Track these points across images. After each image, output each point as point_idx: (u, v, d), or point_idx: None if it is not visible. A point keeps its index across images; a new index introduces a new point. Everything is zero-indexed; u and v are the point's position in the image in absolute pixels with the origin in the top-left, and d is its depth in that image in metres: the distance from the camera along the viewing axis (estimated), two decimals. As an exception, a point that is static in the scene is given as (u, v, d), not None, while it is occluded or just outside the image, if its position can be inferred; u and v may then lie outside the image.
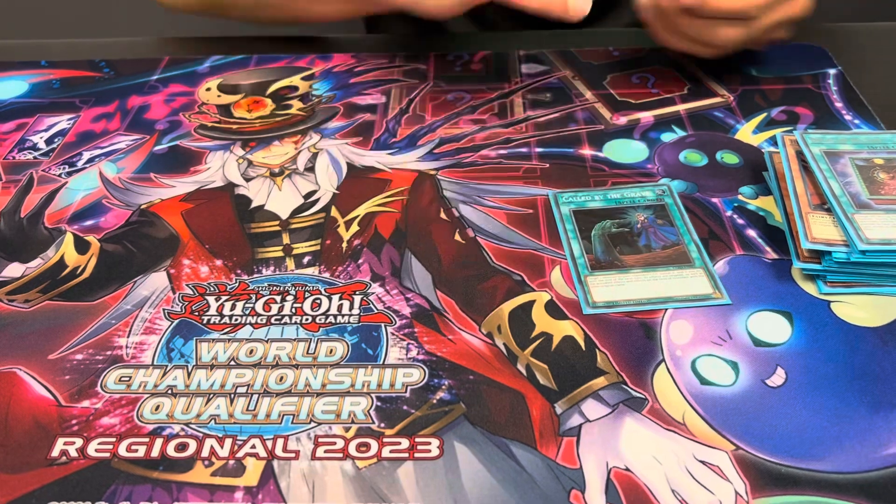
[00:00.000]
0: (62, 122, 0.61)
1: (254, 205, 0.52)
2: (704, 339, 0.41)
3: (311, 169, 0.55)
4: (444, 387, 0.39)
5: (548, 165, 0.54)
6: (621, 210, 0.49)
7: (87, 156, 0.57)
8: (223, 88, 0.64)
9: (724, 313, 0.43)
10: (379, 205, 0.51)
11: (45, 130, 0.60)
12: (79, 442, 0.37)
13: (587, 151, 0.56)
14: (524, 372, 0.40)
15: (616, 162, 0.55)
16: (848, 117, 0.58)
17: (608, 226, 0.48)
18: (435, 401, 0.39)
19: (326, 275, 0.46)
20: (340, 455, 0.36)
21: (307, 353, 0.41)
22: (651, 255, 0.46)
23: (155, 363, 0.41)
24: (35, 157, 0.57)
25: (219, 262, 0.47)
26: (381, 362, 0.41)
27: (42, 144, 0.58)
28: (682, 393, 0.39)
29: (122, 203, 0.52)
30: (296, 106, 0.62)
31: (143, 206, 0.52)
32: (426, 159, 0.55)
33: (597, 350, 0.41)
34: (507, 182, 0.53)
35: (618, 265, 0.45)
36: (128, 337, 0.42)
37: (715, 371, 0.40)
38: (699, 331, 0.42)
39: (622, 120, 0.59)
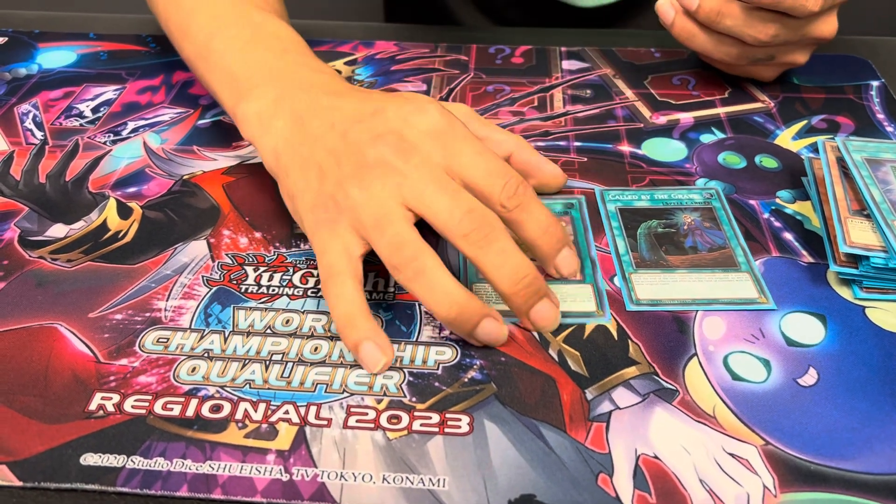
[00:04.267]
0: (108, 92, 0.62)
1: (293, 181, 0.52)
2: (737, 336, 0.42)
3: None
4: (475, 366, 0.40)
5: (586, 159, 0.55)
6: (668, 211, 0.49)
7: (131, 126, 0.58)
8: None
9: (758, 313, 0.43)
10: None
11: (92, 100, 0.61)
12: (116, 398, 0.38)
13: (626, 148, 0.56)
14: (555, 357, 0.40)
15: (654, 160, 0.55)
16: (890, 129, 0.58)
17: (654, 225, 0.48)
18: (466, 379, 0.39)
19: (363, 252, 0.46)
20: (372, 425, 0.37)
21: (342, 326, 0.42)
22: (697, 256, 0.46)
23: (193, 327, 0.42)
24: (81, 125, 0.58)
25: (258, 235, 0.48)
26: (414, 339, 0.41)
27: (88, 113, 0.59)
28: (713, 386, 0.39)
29: (164, 172, 0.53)
30: (337, 89, 0.63)
31: (185, 177, 0.53)
32: (464, 147, 0.56)
33: (629, 341, 0.41)
34: (544, 173, 0.53)
35: (663, 264, 0.46)
36: (167, 300, 0.43)
37: (747, 367, 0.40)
38: (732, 328, 0.42)
39: (662, 119, 0.59)
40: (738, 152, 0.56)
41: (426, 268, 0.38)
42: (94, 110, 0.60)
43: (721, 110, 0.60)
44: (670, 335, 0.42)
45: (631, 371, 0.39)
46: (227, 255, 0.46)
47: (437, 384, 0.39)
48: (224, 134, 0.57)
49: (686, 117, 0.59)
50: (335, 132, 0.42)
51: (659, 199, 0.51)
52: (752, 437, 0.36)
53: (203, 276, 0.45)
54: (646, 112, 0.60)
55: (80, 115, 0.59)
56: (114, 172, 0.53)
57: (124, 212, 0.49)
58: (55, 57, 0.67)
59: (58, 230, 0.48)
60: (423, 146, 0.40)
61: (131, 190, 0.51)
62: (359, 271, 0.40)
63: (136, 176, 0.53)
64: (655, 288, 0.44)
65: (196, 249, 0.47)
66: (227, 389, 0.38)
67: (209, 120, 0.59)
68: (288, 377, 0.39)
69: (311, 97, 0.44)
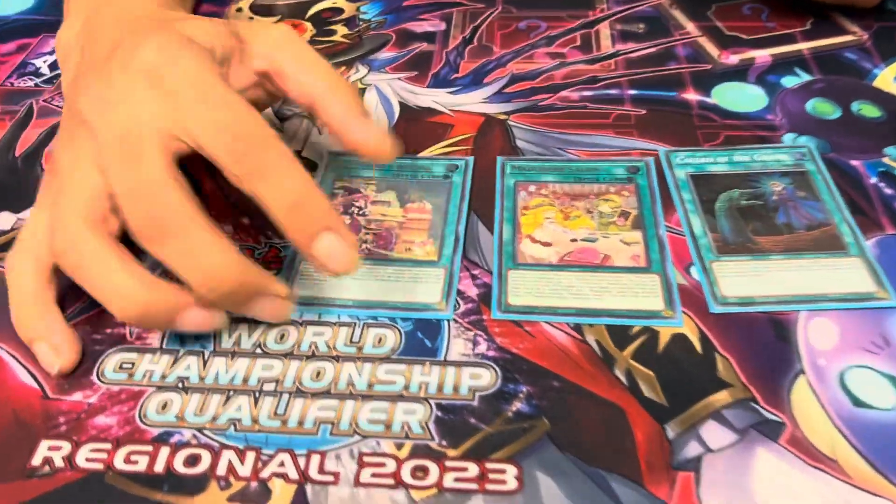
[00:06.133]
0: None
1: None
2: (854, 344, 0.32)
3: (357, 108, 0.46)
4: (521, 395, 0.31)
5: (644, 112, 0.45)
6: (751, 177, 0.40)
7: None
8: (256, 9, 0.55)
9: (879, 311, 0.33)
10: (439, 155, 0.42)
11: (51, 53, 0.51)
12: (67, 447, 0.30)
13: (692, 96, 0.46)
14: (623, 379, 0.31)
15: (728, 110, 0.45)
16: None
17: (736, 197, 0.38)
18: (510, 413, 0.30)
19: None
20: (391, 481, 0.28)
21: (350, 341, 0.33)
22: (793, 237, 0.37)
23: (164, 347, 0.33)
24: (37, 85, 0.49)
25: (246, 220, 0.39)
26: (441, 358, 0.32)
27: (45, 70, 0.50)
28: (829, 416, 0.30)
29: (133, 143, 0.44)
30: (340, 32, 0.53)
31: (158, 148, 0.43)
32: (494, 100, 0.46)
33: (716, 354, 0.32)
34: (594, 132, 0.43)
35: (751, 248, 0.36)
36: (133, 311, 0.34)
37: (871, 388, 0.31)
38: (847, 333, 0.33)
39: (733, 59, 0.49)
40: (831, 98, 0.45)
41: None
42: (53, 66, 0.50)
43: (804, 45, 0.50)
44: (768, 345, 0.33)
45: (722, 397, 0.31)
46: (207, 248, 0.37)
47: (473, 421, 0.30)
48: (206, 91, 0.48)
49: (762, 55, 0.49)
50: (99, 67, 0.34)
51: (739, 162, 0.41)
52: (886, 489, 0.28)
53: (178, 278, 0.36)
54: (713, 50, 0.49)
55: (37, 73, 0.50)
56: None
57: (84, 194, 0.41)
58: (10, 1, 0.57)
59: (4, 220, 0.40)
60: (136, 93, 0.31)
61: (93, 166, 0.42)
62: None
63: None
64: (745, 281, 0.35)
65: (170, 242, 0.38)
66: (207, 433, 0.30)
67: (187, 75, 0.49)
68: (283, 414, 0.31)
69: (112, 33, 0.35)
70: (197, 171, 0.41)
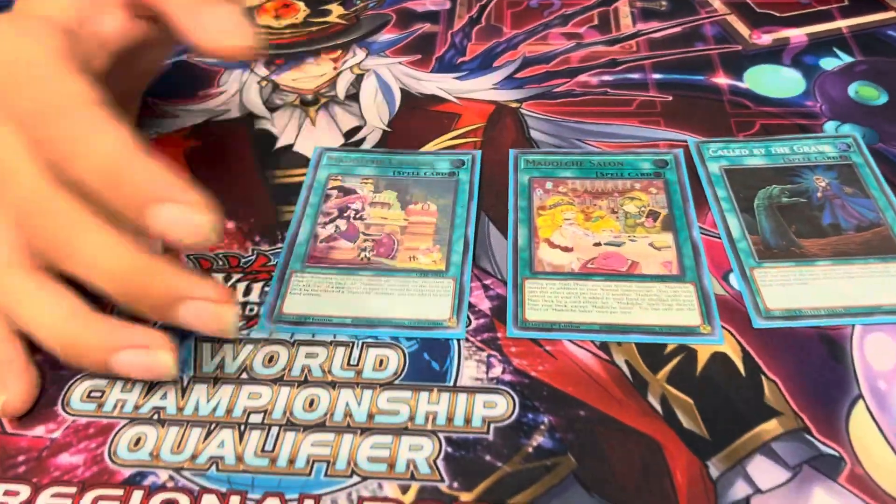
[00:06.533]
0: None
1: (279, 144, 0.39)
2: (919, 364, 0.29)
3: (354, 97, 0.42)
4: (542, 426, 0.27)
5: (671, 98, 0.41)
6: (792, 171, 0.36)
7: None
8: (245, -12, 0.51)
9: (945, 325, 0.30)
10: (443, 148, 0.38)
11: None
12: (25, 492, 0.26)
13: (722, 80, 0.42)
14: (658, 407, 0.28)
15: (763, 96, 0.41)
16: None
17: (776, 193, 0.34)
18: (530, 449, 0.27)
19: (375, 247, 0.34)
20: (395, 532, 0.25)
21: (348, 364, 0.29)
22: (842, 239, 0.33)
23: (138, 371, 0.29)
24: None
25: (230, 225, 0.35)
26: (451, 383, 0.29)
27: None
28: (893, 449, 0.26)
29: (108, 137, 0.40)
30: (336, 12, 0.49)
31: (135, 143, 0.39)
32: (505, 86, 0.42)
33: (762, 376, 0.28)
34: (615, 121, 0.39)
35: (795, 252, 0.32)
36: (104, 330, 0.31)
37: (940, 416, 0.27)
38: (909, 351, 0.29)
39: (765, 39, 0.44)
40: (875, 82, 0.41)
41: None
42: None
43: (842, 23, 0.45)
44: (821, 366, 0.29)
45: (771, 427, 0.27)
46: (188, 257, 0.34)
47: (487, 458, 0.26)
48: (190, 78, 0.44)
49: (797, 35, 0.45)
50: None
51: (778, 154, 0.37)
52: (966, 537, 0.24)
53: (155, 292, 0.32)
54: (743, 29, 0.45)
55: None
56: (42, 139, 0.40)
57: (53, 196, 0.37)
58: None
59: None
60: None
61: (64, 164, 0.38)
62: None
63: (71, 143, 0.40)
64: (790, 291, 0.31)
65: (147, 249, 0.34)
66: (185, 473, 0.26)
67: (170, 61, 0.45)
68: (271, 451, 0.27)
69: None
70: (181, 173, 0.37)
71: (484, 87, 0.42)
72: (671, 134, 0.38)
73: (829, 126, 0.39)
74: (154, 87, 0.42)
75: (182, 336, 0.30)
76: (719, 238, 0.33)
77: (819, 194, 0.35)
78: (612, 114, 0.40)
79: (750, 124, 0.39)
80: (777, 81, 0.41)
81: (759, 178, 0.36)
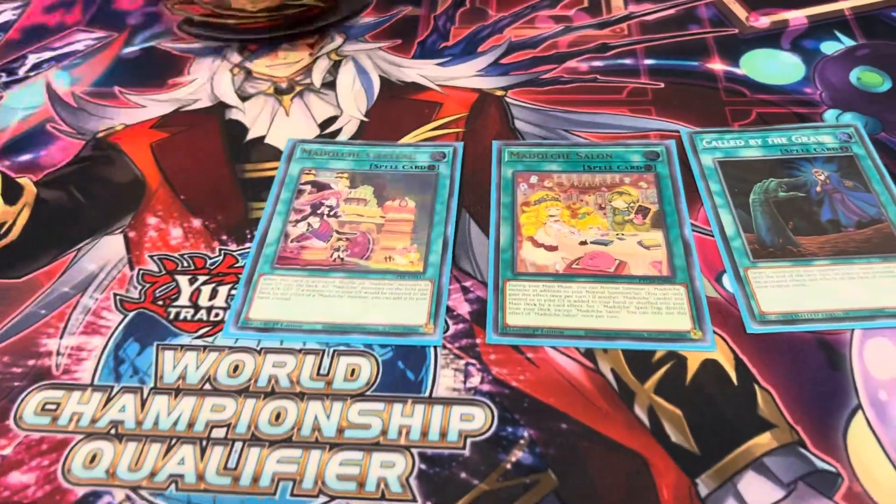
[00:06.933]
0: (6, 11, 0.46)
1: (251, 136, 0.37)
2: (921, 371, 0.27)
3: (330, 84, 0.40)
4: (522, 441, 0.26)
5: (663, 85, 0.39)
6: (790, 163, 0.34)
7: (32, 60, 0.42)
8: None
9: (949, 330, 0.28)
10: (424, 140, 0.36)
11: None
12: (-28, 514, 0.25)
13: (718, 66, 0.40)
14: (645, 419, 0.26)
15: (760, 83, 0.39)
16: None
17: (773, 188, 0.33)
18: (509, 465, 0.25)
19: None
20: (364, 557, 0.23)
21: (317, 373, 0.28)
22: (841, 236, 0.31)
23: (96, 382, 0.28)
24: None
25: (197, 223, 0.33)
26: (426, 394, 0.27)
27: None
28: (894, 464, 0.25)
29: (72, 129, 0.38)
30: (314, -6, 0.46)
31: (100, 135, 0.38)
32: (490, 72, 0.40)
33: (756, 386, 0.27)
34: (605, 109, 0.37)
35: (793, 251, 0.31)
36: (60, 338, 0.29)
37: (944, 429, 0.26)
38: (911, 358, 0.27)
39: (763, 21, 0.42)
40: (878, 68, 0.39)
41: None
42: (-13, 39, 0.44)
43: (844, 4, 0.43)
44: (818, 374, 0.27)
45: (764, 441, 0.25)
46: (151, 257, 0.32)
47: (463, 475, 0.25)
48: (158, 66, 0.42)
49: (797, 17, 0.43)
50: None
51: (775, 146, 0.35)
52: (970, 560, 0.23)
53: (115, 296, 0.30)
54: (740, 11, 0.43)
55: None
56: (3, 131, 0.38)
57: (12, 192, 0.35)
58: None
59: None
60: None
61: (24, 158, 0.37)
62: None
63: (33, 136, 0.38)
64: (787, 293, 0.29)
65: (108, 249, 0.32)
66: (143, 493, 0.25)
67: (138, 47, 0.43)
68: (234, 468, 0.25)
69: None
70: (147, 167, 0.35)
71: (467, 74, 0.40)
72: (663, 123, 0.37)
73: (830, 115, 0.37)
74: (121, 76, 0.41)
75: (142, 344, 0.29)
76: (712, 236, 0.32)
77: (818, 188, 0.33)
78: (601, 102, 0.38)
79: (746, 113, 0.37)
80: (775, 67, 0.39)
81: (755, 170, 0.34)
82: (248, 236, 0.32)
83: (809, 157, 0.34)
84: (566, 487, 0.25)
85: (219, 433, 0.26)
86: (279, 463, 0.25)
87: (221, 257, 0.32)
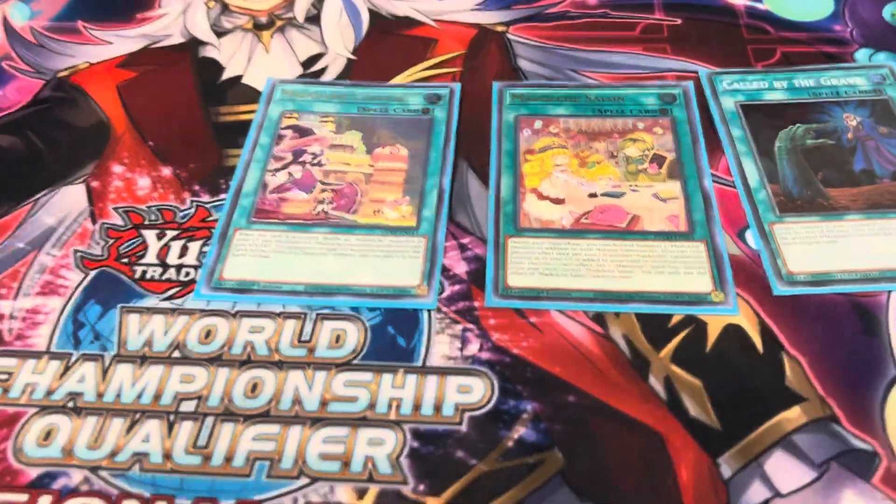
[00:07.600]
0: (-42, -62, 0.42)
1: (226, 75, 0.34)
2: (966, 339, 0.25)
3: (314, 19, 0.36)
4: (525, 415, 0.23)
5: (679, 22, 0.36)
6: (818, 107, 0.31)
7: (-13, -9, 0.39)
8: None
9: None
10: (417, 80, 0.33)
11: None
12: (-88, 497, 0.22)
13: (739, 0, 0.36)
14: (661, 391, 0.24)
15: (785, 19, 0.36)
16: None
17: (801, 134, 0.30)
18: (511, 443, 0.23)
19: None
20: (349, 545, 0.21)
21: (299, 340, 0.25)
22: (875, 188, 0.28)
23: (52, 349, 0.25)
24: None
25: (167, 171, 0.30)
26: (419, 363, 0.24)
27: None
28: (937, 443, 0.23)
29: (30, 68, 0.35)
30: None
31: (60, 74, 0.35)
32: (490, 6, 0.37)
33: (784, 354, 0.24)
34: (616, 47, 0.34)
35: (823, 205, 0.28)
36: (14, 299, 0.26)
37: None
38: (955, 323, 0.25)
39: (789, -50, 0.39)
40: (916, 1, 0.36)
41: None
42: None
43: (878, -68, 0.40)
44: (852, 340, 0.25)
45: (793, 416, 0.23)
46: (116, 209, 0.29)
47: (460, 454, 0.23)
48: (125, 0, 0.38)
49: (826, -54, 0.39)
50: None
51: (802, 88, 0.32)
52: None
53: (76, 252, 0.28)
54: (764, -61, 0.40)
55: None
56: (-47, 70, 0.35)
57: (-37, 138, 0.32)
58: None
59: None
60: None
61: (-24, 99, 0.34)
62: None
63: (-14, 75, 0.35)
64: (818, 251, 0.27)
65: (69, 201, 0.30)
66: (103, 474, 0.23)
67: (103, -23, 0.39)
68: (205, 447, 0.23)
69: None
70: (113, 109, 0.32)
71: (465, 8, 0.37)
72: (680, 63, 0.33)
73: (861, 55, 0.34)
74: (85, 10, 0.37)
75: (104, 306, 0.26)
76: (734, 187, 0.29)
77: (850, 135, 0.30)
78: (612, 39, 0.35)
79: (770, 52, 0.34)
80: (801, 2, 0.36)
81: (781, 115, 0.31)
82: (223, 186, 0.30)
83: (840, 101, 0.31)
84: (574, 467, 0.22)
85: (188, 406, 0.24)
86: (255, 440, 0.23)
87: (193, 210, 0.29)
